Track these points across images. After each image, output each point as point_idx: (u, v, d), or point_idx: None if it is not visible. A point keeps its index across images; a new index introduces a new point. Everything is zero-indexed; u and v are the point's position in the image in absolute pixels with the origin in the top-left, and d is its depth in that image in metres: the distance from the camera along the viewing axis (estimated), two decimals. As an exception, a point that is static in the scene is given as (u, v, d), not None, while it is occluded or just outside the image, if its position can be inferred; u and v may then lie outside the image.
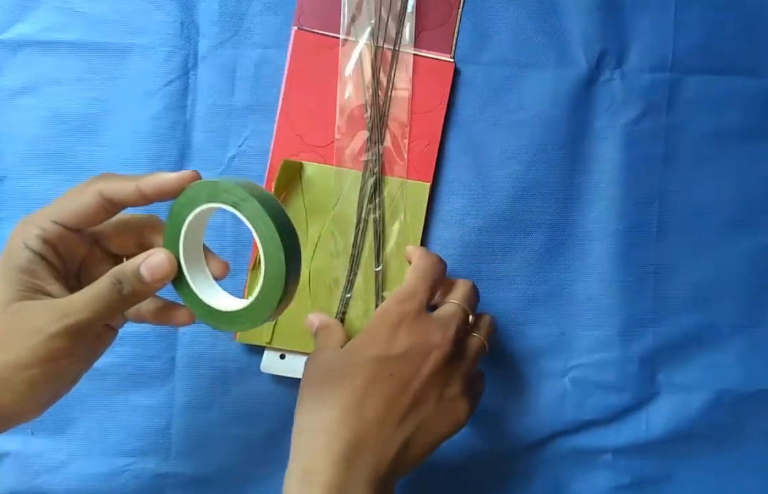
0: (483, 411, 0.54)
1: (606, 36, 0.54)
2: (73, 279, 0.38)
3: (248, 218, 0.34)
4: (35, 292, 0.34)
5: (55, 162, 0.53)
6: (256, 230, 0.34)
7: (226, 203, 0.34)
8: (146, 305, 0.40)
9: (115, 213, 0.37)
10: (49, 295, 0.35)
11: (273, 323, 0.52)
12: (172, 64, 0.53)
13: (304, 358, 0.52)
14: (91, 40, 0.53)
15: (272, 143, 0.53)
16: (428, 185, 0.53)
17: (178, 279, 0.37)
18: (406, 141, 0.53)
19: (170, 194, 0.36)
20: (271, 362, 0.52)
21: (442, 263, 0.47)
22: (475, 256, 0.54)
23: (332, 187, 0.52)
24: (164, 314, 0.40)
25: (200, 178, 0.36)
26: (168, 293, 0.38)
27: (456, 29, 0.54)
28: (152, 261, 0.35)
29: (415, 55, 0.53)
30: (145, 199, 0.36)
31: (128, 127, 0.53)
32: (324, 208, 0.52)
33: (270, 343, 0.52)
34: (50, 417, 0.52)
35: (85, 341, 0.35)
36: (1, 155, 0.53)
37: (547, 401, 0.54)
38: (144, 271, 0.35)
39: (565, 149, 0.54)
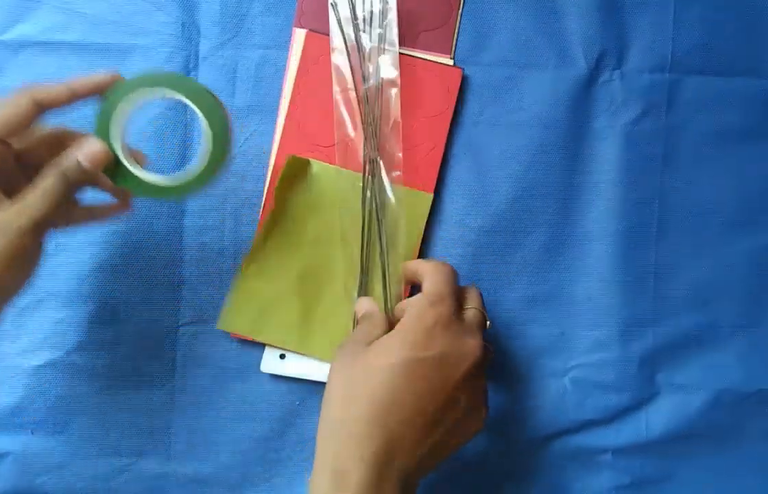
0: (483, 411, 0.54)
1: (606, 36, 0.55)
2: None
3: (187, 97, 0.41)
4: None
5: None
6: (198, 106, 0.41)
7: (163, 87, 0.41)
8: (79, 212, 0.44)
9: (42, 114, 0.39)
10: None
11: (256, 318, 0.51)
12: (173, 65, 0.53)
13: (304, 358, 0.52)
14: (92, 40, 0.53)
15: (277, 142, 0.53)
16: (431, 195, 0.53)
17: (114, 166, 0.41)
18: (399, 139, 0.53)
19: (100, 89, 0.40)
20: (271, 363, 0.53)
21: (455, 270, 0.47)
22: (475, 256, 0.54)
23: (335, 187, 0.52)
24: (98, 211, 0.45)
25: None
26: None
27: (456, 30, 0.54)
28: (88, 149, 0.39)
29: (420, 58, 0.53)
30: (74, 95, 0.39)
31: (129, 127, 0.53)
32: (326, 207, 0.52)
33: (252, 335, 0.52)
34: (50, 417, 0.52)
35: (39, 241, 0.39)
36: (1, 155, 0.52)
37: (547, 401, 0.54)
38: (82, 158, 0.39)
39: (564, 150, 0.54)
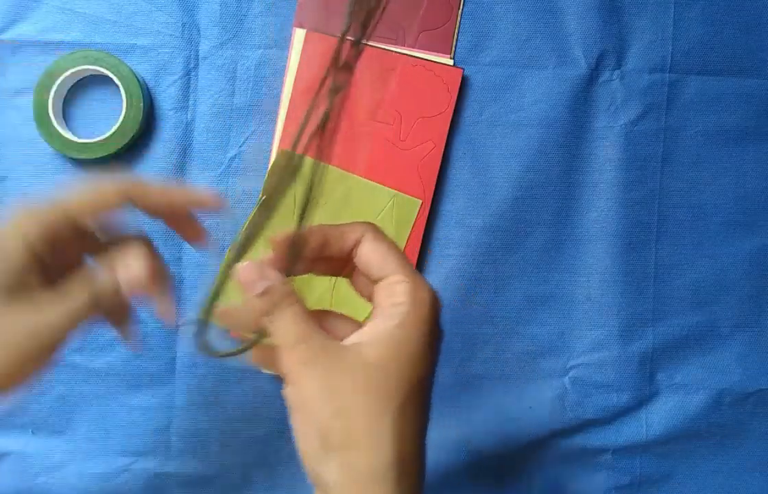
0: (483, 411, 0.54)
1: (606, 37, 0.55)
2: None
3: (114, 74, 0.51)
4: (17, 291, 0.32)
5: (55, 162, 0.53)
6: (120, 80, 0.51)
7: (98, 66, 0.51)
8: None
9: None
10: (29, 295, 0.33)
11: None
12: (173, 65, 0.53)
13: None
14: (92, 40, 0.53)
15: (277, 142, 0.53)
16: (419, 201, 0.53)
17: (47, 127, 0.51)
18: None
19: (202, 207, 0.37)
20: (271, 362, 0.52)
21: None
22: (475, 256, 0.54)
23: (328, 185, 0.52)
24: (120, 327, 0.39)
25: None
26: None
27: (456, 30, 0.54)
28: (132, 273, 0.35)
29: (420, 58, 0.53)
30: (170, 209, 0.37)
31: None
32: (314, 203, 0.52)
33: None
34: (50, 417, 0.52)
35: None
36: (1, 155, 0.53)
37: (547, 401, 0.54)
38: (123, 283, 0.34)
39: (565, 149, 0.54)
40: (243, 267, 0.33)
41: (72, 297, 0.33)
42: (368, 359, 0.31)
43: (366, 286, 0.35)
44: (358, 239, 0.34)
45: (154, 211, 0.36)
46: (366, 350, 0.31)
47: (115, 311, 0.36)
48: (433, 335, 0.33)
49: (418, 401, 0.32)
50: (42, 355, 0.33)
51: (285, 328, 0.32)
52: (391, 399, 0.31)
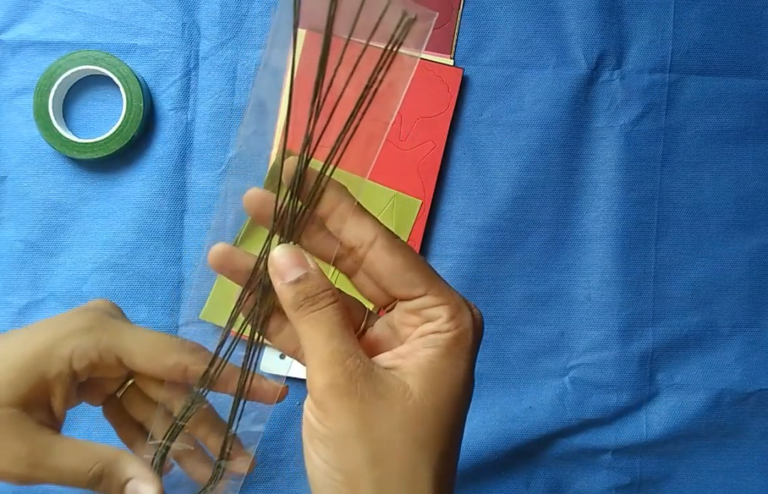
0: (483, 410, 0.54)
1: (606, 37, 0.55)
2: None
3: (114, 74, 0.51)
4: (36, 405, 0.32)
5: (55, 162, 0.53)
6: (120, 80, 0.51)
7: (98, 66, 0.51)
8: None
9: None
10: (44, 414, 0.32)
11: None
12: (173, 65, 0.53)
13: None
14: (92, 40, 0.53)
15: (278, 141, 0.53)
16: (419, 201, 0.53)
17: (49, 132, 0.51)
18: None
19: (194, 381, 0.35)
20: (270, 363, 0.52)
21: None
22: (475, 256, 0.54)
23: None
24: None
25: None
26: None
27: (456, 30, 0.54)
28: (141, 490, 0.33)
29: (420, 58, 0.53)
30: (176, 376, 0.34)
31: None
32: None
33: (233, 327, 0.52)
34: (50, 417, 0.52)
35: None
36: (1, 155, 0.53)
37: (547, 401, 0.54)
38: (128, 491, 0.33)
39: (564, 150, 0.55)
40: (278, 250, 0.28)
41: (76, 463, 0.32)
42: (413, 395, 0.26)
43: (370, 285, 0.30)
44: (371, 241, 0.29)
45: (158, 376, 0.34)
46: (410, 382, 0.27)
47: None
48: (473, 366, 0.29)
49: (457, 442, 0.29)
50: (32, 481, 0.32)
51: (318, 335, 0.27)
52: (434, 446, 0.27)
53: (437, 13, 0.28)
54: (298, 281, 0.28)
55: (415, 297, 0.28)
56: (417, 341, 0.28)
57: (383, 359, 0.28)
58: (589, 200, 0.55)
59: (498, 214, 0.54)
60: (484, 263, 0.54)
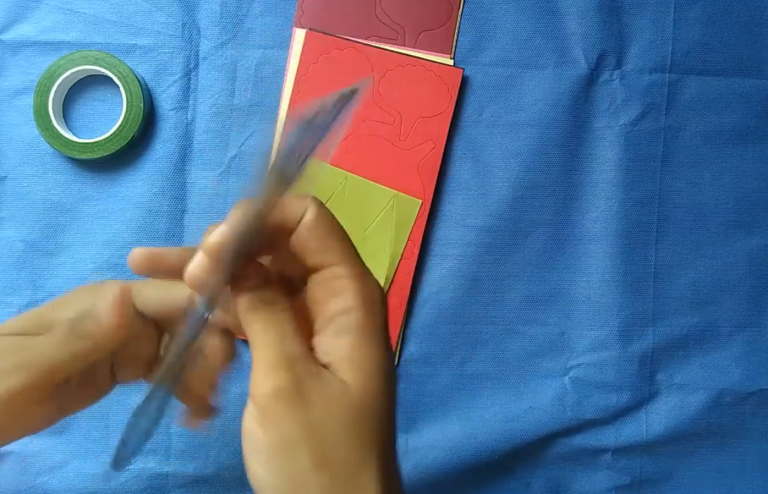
0: (483, 410, 0.54)
1: (606, 37, 0.55)
2: None
3: (114, 74, 0.51)
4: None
5: (55, 162, 0.53)
6: (120, 80, 0.51)
7: (98, 66, 0.51)
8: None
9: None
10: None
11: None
12: (173, 65, 0.53)
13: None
14: (92, 40, 0.53)
15: (277, 142, 0.53)
16: (419, 201, 0.53)
17: (49, 132, 0.51)
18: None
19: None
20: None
21: None
22: (475, 256, 0.54)
23: (324, 183, 0.52)
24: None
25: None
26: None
27: (456, 30, 0.54)
28: (217, 357, 0.33)
29: (420, 58, 0.53)
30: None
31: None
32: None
33: None
34: (50, 417, 0.52)
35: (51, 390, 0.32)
36: (1, 155, 0.53)
37: (547, 401, 0.54)
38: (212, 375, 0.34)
39: (564, 150, 0.54)
40: (214, 236, 0.26)
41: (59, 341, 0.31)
42: (350, 391, 0.26)
43: (293, 265, 0.29)
44: (301, 215, 0.27)
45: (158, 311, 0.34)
46: (347, 377, 0.26)
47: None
48: (388, 342, 0.28)
49: (395, 429, 0.28)
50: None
51: (270, 337, 0.26)
52: (377, 439, 0.26)
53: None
54: (253, 284, 0.27)
55: (327, 266, 0.27)
56: (330, 329, 0.27)
57: (321, 352, 0.27)
58: (589, 200, 0.55)
59: (498, 214, 0.54)
60: (484, 263, 0.54)
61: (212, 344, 0.34)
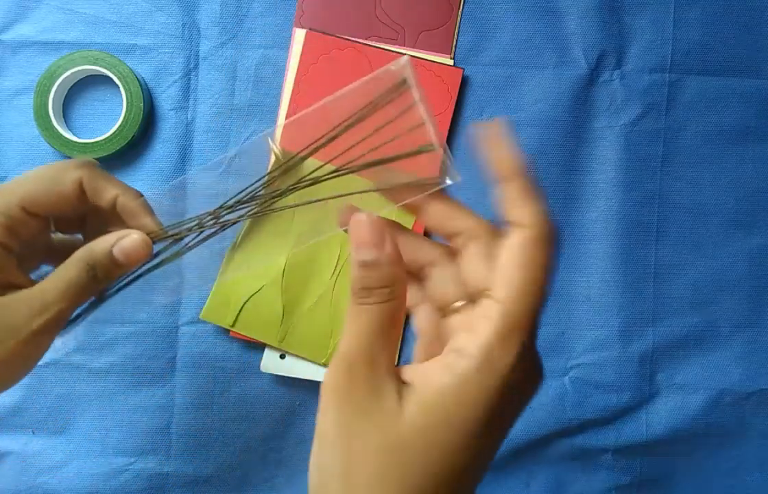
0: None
1: (606, 37, 0.55)
2: (27, 260, 0.34)
3: (114, 74, 0.51)
4: (2, 287, 0.31)
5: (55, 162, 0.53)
6: (120, 80, 0.51)
7: (98, 66, 0.51)
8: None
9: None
10: (16, 287, 0.31)
11: (237, 310, 0.52)
12: (173, 65, 0.53)
13: (302, 360, 0.52)
14: (92, 40, 0.53)
15: (278, 141, 0.53)
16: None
17: (49, 132, 0.51)
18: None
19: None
20: (271, 363, 0.52)
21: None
22: (475, 256, 0.54)
23: (325, 183, 0.52)
24: None
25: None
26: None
27: (456, 30, 0.54)
28: (127, 244, 0.32)
29: (420, 58, 0.53)
30: (115, 214, 0.34)
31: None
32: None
33: (233, 327, 0.52)
34: (50, 417, 0.52)
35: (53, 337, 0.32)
36: (1, 155, 0.53)
37: (547, 401, 0.54)
38: (118, 254, 0.32)
39: (564, 150, 0.54)
40: (364, 218, 0.26)
41: (67, 269, 0.31)
42: (399, 425, 0.24)
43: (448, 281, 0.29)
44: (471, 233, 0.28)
45: (105, 211, 0.34)
46: (408, 409, 0.24)
47: (114, 279, 0.33)
48: (503, 408, 0.24)
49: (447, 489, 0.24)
50: (52, 332, 0.32)
51: (353, 327, 0.26)
52: (404, 484, 0.23)
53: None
54: (364, 265, 0.26)
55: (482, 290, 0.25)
56: (437, 362, 0.25)
57: (409, 370, 0.26)
58: (589, 200, 0.55)
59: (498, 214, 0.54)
60: (484, 263, 0.54)
61: (130, 239, 0.33)
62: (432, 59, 0.53)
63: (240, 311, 0.52)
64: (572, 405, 0.54)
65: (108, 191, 0.33)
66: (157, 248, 0.34)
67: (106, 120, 0.53)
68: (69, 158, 0.52)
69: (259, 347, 0.53)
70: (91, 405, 0.52)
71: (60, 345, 0.51)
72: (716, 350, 0.55)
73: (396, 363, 0.26)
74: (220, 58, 0.54)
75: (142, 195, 0.35)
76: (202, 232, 0.34)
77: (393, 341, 0.26)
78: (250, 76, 0.54)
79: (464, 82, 0.54)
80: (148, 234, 0.33)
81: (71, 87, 0.53)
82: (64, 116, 0.53)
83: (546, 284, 0.25)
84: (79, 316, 0.34)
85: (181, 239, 0.34)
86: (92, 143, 0.51)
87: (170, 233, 0.34)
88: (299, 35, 0.53)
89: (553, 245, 0.26)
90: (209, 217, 0.34)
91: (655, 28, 0.55)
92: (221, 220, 0.33)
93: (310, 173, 0.32)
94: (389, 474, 0.24)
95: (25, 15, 0.53)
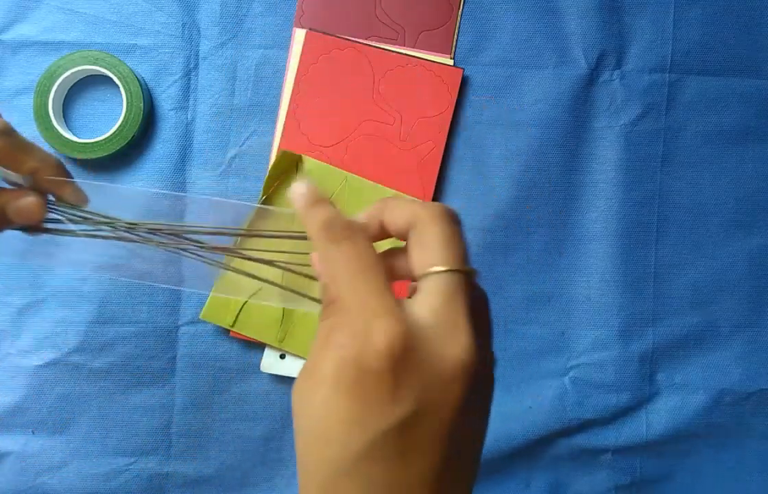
0: (483, 411, 0.54)
1: (606, 37, 0.55)
2: None
3: (114, 74, 0.51)
4: None
5: (55, 162, 0.53)
6: (120, 80, 0.51)
7: (98, 66, 0.51)
8: None
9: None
10: None
11: (237, 310, 0.52)
12: (173, 65, 0.53)
13: (303, 360, 0.52)
14: (92, 40, 0.53)
15: (277, 142, 0.53)
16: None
17: (49, 132, 0.51)
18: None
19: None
20: (271, 363, 0.52)
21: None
22: (475, 256, 0.54)
23: (326, 183, 0.52)
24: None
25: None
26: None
27: (456, 30, 0.54)
28: (23, 205, 0.34)
29: (420, 58, 0.53)
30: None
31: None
32: None
33: (233, 327, 0.52)
34: (50, 417, 0.52)
35: None
36: (1, 155, 0.53)
37: (547, 401, 0.54)
38: (12, 215, 0.34)
39: (564, 150, 0.55)
40: (300, 186, 0.28)
41: None
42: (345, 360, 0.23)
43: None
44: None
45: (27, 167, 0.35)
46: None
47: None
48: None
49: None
50: None
51: (327, 273, 0.25)
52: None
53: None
54: (325, 218, 0.26)
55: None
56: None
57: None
58: (589, 200, 0.55)
59: (498, 214, 0.54)
60: (484, 263, 0.54)
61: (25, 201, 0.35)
62: (432, 59, 0.54)
63: (240, 311, 0.52)
64: (572, 405, 0.54)
65: (26, 163, 0.35)
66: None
67: (106, 120, 0.53)
68: (69, 158, 0.52)
69: (259, 347, 0.53)
70: (91, 405, 0.52)
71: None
72: (716, 350, 0.55)
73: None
74: (220, 58, 0.54)
75: (62, 165, 0.36)
76: (100, 229, 0.37)
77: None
78: (250, 76, 0.54)
79: (464, 82, 0.54)
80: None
81: (71, 87, 0.53)
82: (64, 116, 0.53)
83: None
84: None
85: (77, 224, 0.37)
86: (92, 143, 0.51)
87: (69, 215, 0.36)
88: (299, 35, 0.53)
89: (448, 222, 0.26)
90: (125, 224, 0.37)
91: (655, 28, 0.55)
92: (122, 233, 0.36)
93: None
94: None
95: (25, 15, 0.53)
